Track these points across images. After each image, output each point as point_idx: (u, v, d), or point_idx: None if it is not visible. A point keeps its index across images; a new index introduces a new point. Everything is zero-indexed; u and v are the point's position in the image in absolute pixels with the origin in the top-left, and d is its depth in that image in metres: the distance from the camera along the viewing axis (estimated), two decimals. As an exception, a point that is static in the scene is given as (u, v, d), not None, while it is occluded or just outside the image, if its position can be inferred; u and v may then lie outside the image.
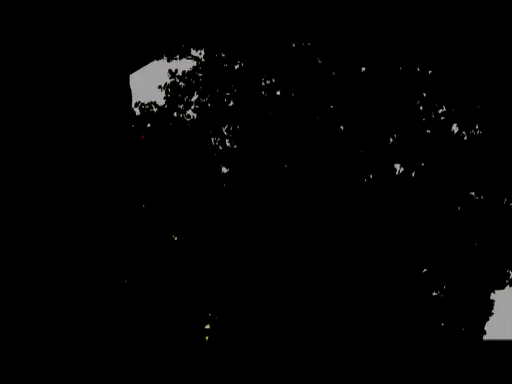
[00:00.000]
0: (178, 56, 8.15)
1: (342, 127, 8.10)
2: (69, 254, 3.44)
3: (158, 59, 8.27)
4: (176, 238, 8.44)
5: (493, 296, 8.33)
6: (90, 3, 3.57)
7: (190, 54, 8.19)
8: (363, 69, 8.20)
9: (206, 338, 7.86)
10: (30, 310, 3.25)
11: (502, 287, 8.29)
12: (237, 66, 8.10)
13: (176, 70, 8.21)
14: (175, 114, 8.12)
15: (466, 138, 8.24)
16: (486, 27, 7.75)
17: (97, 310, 3.47)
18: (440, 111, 8.24)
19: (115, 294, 3.68)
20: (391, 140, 8.18)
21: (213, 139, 8.09)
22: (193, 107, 8.14)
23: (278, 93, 8.05)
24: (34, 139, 3.55)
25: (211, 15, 7.63)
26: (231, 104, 8.06)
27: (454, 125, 8.28)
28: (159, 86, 8.26)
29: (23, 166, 3.48)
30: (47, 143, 3.59)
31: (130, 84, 4.34)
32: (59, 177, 3.49)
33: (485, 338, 8.29)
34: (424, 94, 8.26)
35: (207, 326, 8.31)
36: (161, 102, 8.29)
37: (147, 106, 8.15)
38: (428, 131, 8.19)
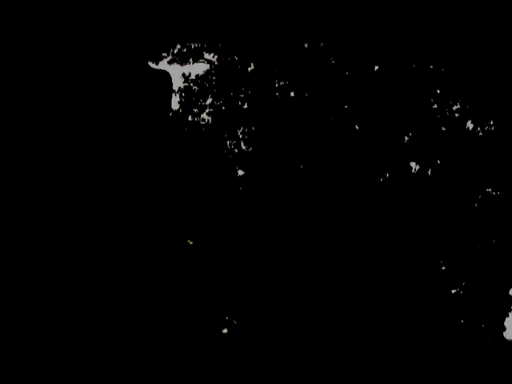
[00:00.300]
0: (191, 60, 8.16)
1: (356, 127, 8.09)
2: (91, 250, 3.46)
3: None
4: (191, 242, 8.47)
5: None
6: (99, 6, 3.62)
7: (203, 58, 8.20)
8: (376, 67, 8.20)
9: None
10: (30, 310, 3.23)
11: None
12: (250, 69, 8.10)
13: (189, 74, 8.22)
14: (190, 117, 8.13)
15: (481, 134, 8.23)
16: (496, 25, 7.74)
17: (103, 311, 3.47)
18: (454, 108, 8.23)
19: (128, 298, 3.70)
20: (406, 138, 8.18)
21: (228, 142, 8.10)
22: (207, 111, 8.16)
23: (292, 94, 8.05)
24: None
25: (223, 17, 7.64)
26: (245, 106, 8.07)
27: (469, 121, 8.27)
28: (173, 91, 8.25)
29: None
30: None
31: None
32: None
33: (505, 334, 8.30)
34: (438, 91, 8.25)
35: (225, 330, 8.36)
36: (175, 106, 8.31)
37: (161, 111, 8.14)
38: (443, 128, 8.18)
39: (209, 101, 8.19)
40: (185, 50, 8.05)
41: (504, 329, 8.27)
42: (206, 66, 8.25)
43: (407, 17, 7.71)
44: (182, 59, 8.12)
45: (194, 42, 8.19)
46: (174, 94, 8.32)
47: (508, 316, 8.23)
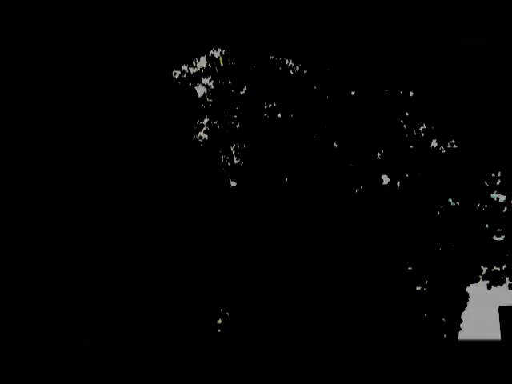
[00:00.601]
0: (190, 84, 9.23)
1: (335, 144, 9.22)
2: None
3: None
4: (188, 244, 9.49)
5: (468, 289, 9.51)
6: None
7: (201, 82, 9.27)
8: (353, 93, 9.32)
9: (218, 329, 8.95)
10: (30, 310, 3.22)
11: (476, 281, 9.51)
12: (242, 92, 9.18)
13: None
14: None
15: (443, 151, 9.40)
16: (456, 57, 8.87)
17: (100, 309, 3.47)
18: (421, 128, 9.39)
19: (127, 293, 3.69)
20: (379, 155, 9.33)
21: (222, 157, 9.18)
22: (204, 129, 9.24)
23: (279, 115, 9.16)
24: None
25: (217, 43, 8.67)
26: (238, 126, 9.15)
27: (434, 140, 9.44)
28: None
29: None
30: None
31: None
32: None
33: (462, 325, 9.51)
34: (407, 114, 9.41)
35: (219, 321, 9.39)
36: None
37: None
38: (411, 146, 9.34)
39: (205, 120, 9.28)
40: (184, 75, 9.11)
41: (461, 321, 9.49)
42: (204, 89, 9.32)
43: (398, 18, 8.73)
44: (181, 83, 9.17)
45: (192, 67, 9.25)
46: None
47: (464, 310, 9.45)
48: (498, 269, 9.61)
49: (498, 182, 9.37)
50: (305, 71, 9.14)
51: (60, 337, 3.22)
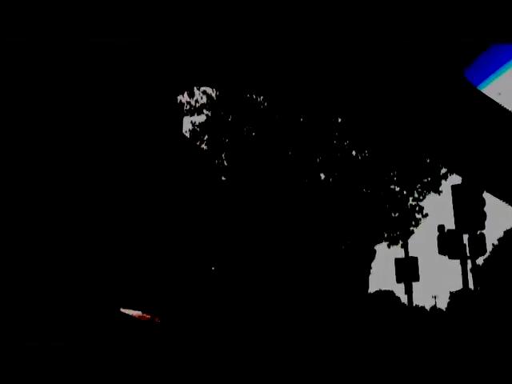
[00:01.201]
0: (195, 113, 14.38)
1: (290, 153, 14.37)
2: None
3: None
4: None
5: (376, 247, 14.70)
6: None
7: (203, 112, 14.39)
8: (301, 119, 14.47)
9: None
10: (30, 310, 3.40)
11: (381, 242, 14.69)
12: (229, 119, 14.32)
13: (195, 122, 14.41)
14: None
15: (359, 158, 14.58)
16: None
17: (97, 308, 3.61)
18: (345, 143, 14.56)
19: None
20: (318, 160, 14.47)
21: (216, 161, 14.29)
22: (205, 143, 14.36)
23: (254, 134, 14.27)
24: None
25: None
26: (227, 141, 14.28)
27: (354, 151, 14.63)
28: (185, 131, 14.54)
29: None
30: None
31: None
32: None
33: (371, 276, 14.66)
34: (336, 134, 14.57)
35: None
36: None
37: (178, 142, 14.36)
38: (338, 154, 14.51)
39: (206, 137, 14.40)
40: (192, 108, 14.23)
41: (370, 273, 14.64)
42: (204, 117, 14.42)
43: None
44: (190, 113, 14.30)
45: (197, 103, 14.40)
46: (185, 132, 14.54)
47: (373, 260, 14.60)
48: (395, 234, 14.80)
49: (395, 178, 14.52)
50: (270, 105, 14.29)
51: (60, 337, 3.40)
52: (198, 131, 14.31)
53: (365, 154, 14.63)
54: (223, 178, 14.11)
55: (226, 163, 14.09)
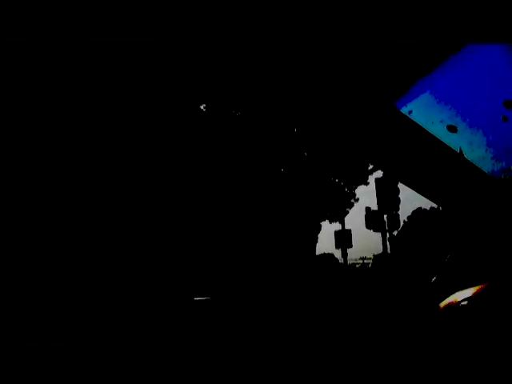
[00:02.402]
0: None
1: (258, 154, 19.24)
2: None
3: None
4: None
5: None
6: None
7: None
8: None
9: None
10: (31, 310, 3.20)
11: (324, 219, 20.04)
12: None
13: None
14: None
15: (311, 159, 19.70)
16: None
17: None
18: (301, 148, 19.60)
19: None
20: (280, 159, 19.45)
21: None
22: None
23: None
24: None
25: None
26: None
27: (305, 153, 19.73)
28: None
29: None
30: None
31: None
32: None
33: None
34: (294, 142, 19.58)
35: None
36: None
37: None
38: (295, 156, 19.54)
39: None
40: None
41: (317, 240, 19.95)
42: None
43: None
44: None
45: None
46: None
47: (319, 232, 19.92)
48: (335, 213, 20.23)
49: (336, 173, 19.82)
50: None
51: (60, 337, 3.22)
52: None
53: (315, 155, 19.79)
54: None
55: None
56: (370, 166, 19.94)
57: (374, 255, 20.47)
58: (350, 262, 20.77)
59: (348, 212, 20.37)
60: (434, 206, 21.21)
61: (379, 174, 20.45)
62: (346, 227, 19.83)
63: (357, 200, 20.46)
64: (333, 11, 3.21)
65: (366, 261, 21.46)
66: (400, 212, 20.23)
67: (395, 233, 19.12)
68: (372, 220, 17.99)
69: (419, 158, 4.26)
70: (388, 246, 18.43)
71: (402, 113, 4.25)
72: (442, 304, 4.13)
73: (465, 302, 3.83)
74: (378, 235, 17.97)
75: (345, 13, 3.24)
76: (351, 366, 4.69)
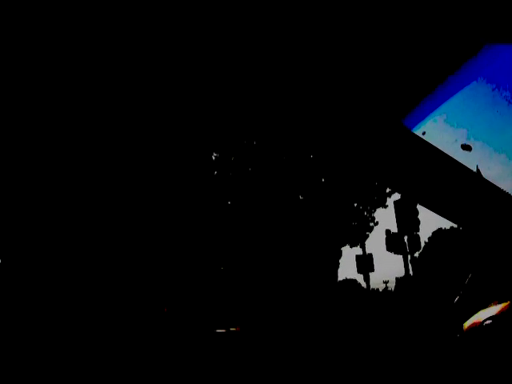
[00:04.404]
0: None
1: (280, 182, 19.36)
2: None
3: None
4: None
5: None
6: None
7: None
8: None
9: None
10: (32, 310, 3.17)
11: (345, 244, 19.96)
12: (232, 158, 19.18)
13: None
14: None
15: (329, 185, 19.74)
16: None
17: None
18: (320, 175, 19.69)
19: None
20: (300, 186, 19.55)
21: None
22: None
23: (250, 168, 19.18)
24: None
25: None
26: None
27: (323, 179, 19.78)
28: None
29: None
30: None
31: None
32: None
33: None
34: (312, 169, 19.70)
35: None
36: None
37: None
38: (314, 183, 19.62)
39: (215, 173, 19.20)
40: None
41: (339, 264, 19.84)
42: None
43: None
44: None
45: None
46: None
47: (341, 257, 19.83)
48: (355, 238, 20.13)
49: (355, 198, 19.82)
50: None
51: (60, 337, 3.18)
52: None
53: (333, 182, 19.86)
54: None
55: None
56: (388, 189, 19.92)
57: (396, 278, 20.25)
58: (372, 286, 20.52)
59: (368, 236, 20.27)
60: (454, 225, 21.04)
61: (397, 196, 20.43)
62: (367, 251, 19.68)
63: (376, 223, 20.38)
64: (346, 33, 3.23)
65: (388, 284, 21.26)
66: (420, 233, 20.01)
67: (416, 254, 18.92)
68: (392, 242, 17.88)
69: (435, 179, 4.25)
70: (410, 268, 18.23)
71: (415, 134, 4.25)
72: (466, 324, 4.12)
73: (489, 321, 3.83)
74: (400, 258, 17.80)
75: (356, 31, 3.25)
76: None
